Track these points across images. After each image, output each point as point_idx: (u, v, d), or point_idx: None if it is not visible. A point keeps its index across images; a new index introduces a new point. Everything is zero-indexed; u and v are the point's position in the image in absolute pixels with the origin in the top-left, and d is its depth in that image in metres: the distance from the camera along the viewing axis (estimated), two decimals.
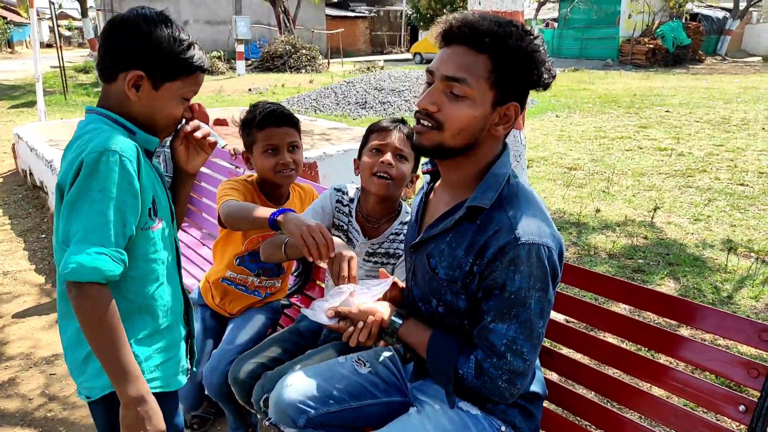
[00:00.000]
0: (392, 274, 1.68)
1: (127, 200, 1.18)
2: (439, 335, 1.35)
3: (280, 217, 1.55)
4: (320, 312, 1.41)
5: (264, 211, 1.63)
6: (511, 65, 1.19)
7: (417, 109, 1.26)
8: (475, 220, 1.26)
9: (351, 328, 1.38)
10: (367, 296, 1.42)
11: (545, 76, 1.22)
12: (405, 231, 1.83)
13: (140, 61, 1.23)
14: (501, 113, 1.23)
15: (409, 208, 1.86)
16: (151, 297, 1.30)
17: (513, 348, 1.22)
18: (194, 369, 1.55)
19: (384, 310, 1.41)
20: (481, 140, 1.26)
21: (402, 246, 1.85)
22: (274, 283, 2.19)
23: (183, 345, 1.44)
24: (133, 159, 1.20)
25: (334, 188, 1.95)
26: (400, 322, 1.40)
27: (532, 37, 1.21)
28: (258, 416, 2.12)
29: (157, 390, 1.32)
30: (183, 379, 1.43)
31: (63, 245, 1.17)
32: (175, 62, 1.26)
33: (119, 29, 1.24)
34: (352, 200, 1.91)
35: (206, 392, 1.97)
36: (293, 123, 2.01)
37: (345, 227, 1.90)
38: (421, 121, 1.25)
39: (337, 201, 1.92)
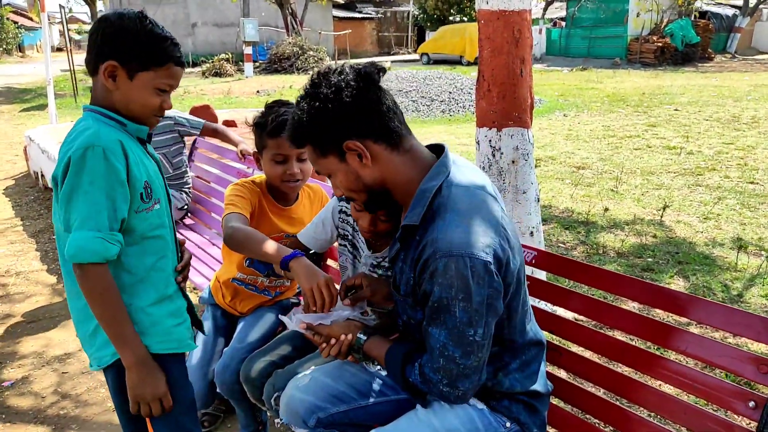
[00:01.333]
0: None
1: (116, 188, 1.31)
2: (394, 348, 1.42)
3: (292, 262, 1.58)
4: (296, 322, 1.54)
5: (273, 248, 1.65)
6: (312, 136, 1.31)
7: None
8: (414, 236, 1.31)
9: (323, 344, 1.50)
10: (339, 315, 1.54)
11: (341, 100, 1.26)
12: None
13: (114, 51, 1.34)
14: (352, 157, 1.30)
15: None
16: (152, 269, 1.43)
17: (445, 353, 1.26)
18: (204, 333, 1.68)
19: (351, 329, 1.51)
20: (372, 179, 1.33)
21: None
22: (283, 282, 2.20)
23: (185, 314, 1.55)
24: (117, 151, 1.31)
25: (337, 198, 1.90)
26: (364, 338, 1.49)
27: (306, 94, 1.31)
28: (268, 414, 2.13)
29: (172, 351, 1.45)
30: (192, 343, 1.55)
31: (65, 233, 1.33)
32: (148, 53, 1.35)
33: (99, 26, 1.37)
34: None
35: (218, 390, 1.99)
36: None
37: (350, 236, 1.87)
38: (347, 200, 1.46)
39: (341, 212, 1.88)
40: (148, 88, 1.38)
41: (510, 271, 1.29)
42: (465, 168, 1.37)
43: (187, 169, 3.65)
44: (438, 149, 1.39)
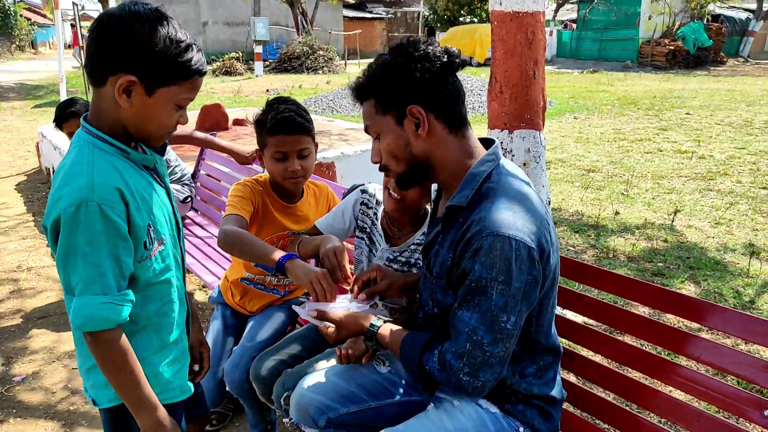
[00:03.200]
0: None
1: (118, 244, 1.15)
2: (411, 335, 1.40)
3: (288, 263, 1.58)
4: (308, 309, 1.51)
5: (269, 251, 1.64)
6: (382, 89, 1.34)
7: None
8: (458, 218, 1.31)
9: (331, 329, 1.47)
10: (350, 306, 1.52)
11: (425, 66, 1.29)
12: None
13: (132, 64, 1.12)
14: (411, 122, 1.32)
15: None
16: (155, 316, 1.30)
17: (473, 338, 1.24)
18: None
19: (363, 317, 1.49)
20: (421, 151, 1.34)
21: None
22: (292, 281, 2.20)
23: (187, 354, 1.45)
24: (115, 202, 1.14)
25: (361, 190, 1.93)
26: (378, 325, 1.46)
27: (397, 50, 1.33)
28: (277, 413, 2.14)
29: (175, 401, 1.35)
30: (190, 387, 1.44)
31: (67, 294, 1.18)
32: (172, 66, 1.15)
33: (109, 28, 1.13)
34: (378, 203, 1.88)
35: (227, 389, 1.99)
36: (305, 129, 1.96)
37: (368, 230, 1.88)
38: (381, 170, 1.45)
39: (362, 204, 1.90)
40: (169, 106, 1.19)
41: (549, 265, 1.30)
42: (511, 163, 1.40)
43: (178, 160, 3.58)
44: (488, 142, 1.42)
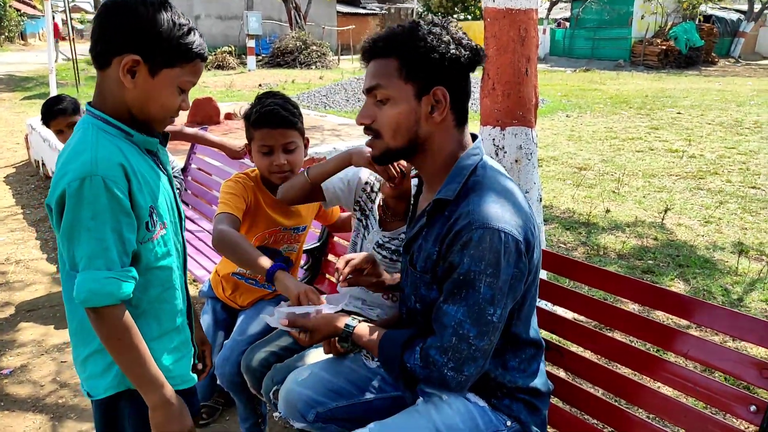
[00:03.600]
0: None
1: (121, 220, 1.16)
2: (389, 334, 1.39)
3: (277, 274, 1.58)
4: (279, 317, 1.46)
5: (260, 260, 1.64)
6: (415, 55, 1.25)
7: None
8: (444, 212, 1.30)
9: (303, 335, 1.43)
10: (324, 308, 1.48)
11: (457, 52, 1.27)
12: None
13: (137, 45, 1.16)
14: (429, 101, 1.28)
15: None
16: (155, 301, 1.29)
17: (459, 332, 1.24)
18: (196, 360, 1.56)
19: (336, 318, 1.45)
20: (425, 133, 1.31)
21: None
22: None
23: (190, 345, 1.43)
24: (119, 178, 1.15)
25: (369, 173, 1.92)
26: (354, 325, 1.43)
27: (432, 24, 1.29)
28: (267, 407, 2.13)
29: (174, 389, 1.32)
30: (193, 378, 1.43)
31: (71, 271, 1.17)
32: (175, 47, 1.18)
33: (114, 12, 1.17)
34: (380, 188, 1.88)
35: (218, 382, 1.99)
36: (290, 123, 1.94)
37: (366, 211, 1.90)
38: (367, 134, 1.35)
39: (366, 183, 1.91)
40: (171, 87, 1.21)
41: (533, 259, 1.30)
42: (490, 158, 1.41)
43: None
44: (471, 137, 1.42)
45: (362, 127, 1.37)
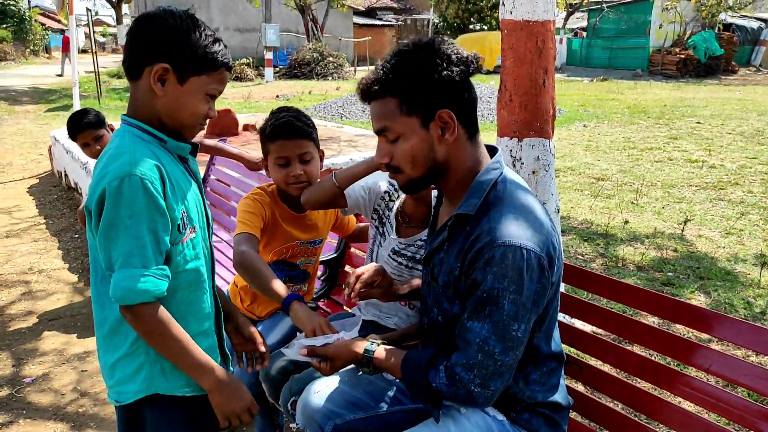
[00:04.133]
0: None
1: (157, 219, 1.21)
2: (411, 355, 1.38)
3: (294, 304, 1.61)
4: (297, 348, 1.46)
5: (277, 288, 1.67)
6: (410, 89, 1.26)
7: None
8: (465, 227, 1.30)
9: (324, 363, 1.43)
10: (342, 337, 1.48)
11: (449, 72, 1.25)
12: None
13: (166, 54, 1.23)
14: (437, 125, 1.29)
15: None
16: (183, 303, 1.32)
17: (485, 348, 1.23)
18: (230, 369, 1.58)
19: (356, 344, 1.45)
20: (442, 156, 1.32)
21: None
22: (301, 287, 2.21)
23: (216, 353, 1.45)
24: (155, 179, 1.21)
25: (388, 181, 1.93)
26: (373, 350, 1.42)
27: (418, 50, 1.27)
28: (285, 419, 2.14)
29: (191, 394, 1.34)
30: None
31: (107, 271, 1.22)
32: (202, 56, 1.25)
33: (144, 24, 1.25)
34: (398, 197, 1.90)
35: None
36: (304, 134, 1.96)
37: (383, 219, 1.91)
38: (389, 171, 1.38)
39: (385, 192, 1.92)
40: (199, 94, 1.28)
41: (555, 272, 1.30)
42: (512, 171, 1.40)
43: None
44: (491, 150, 1.41)
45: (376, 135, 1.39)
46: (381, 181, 1.93)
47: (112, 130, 3.10)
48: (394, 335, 1.71)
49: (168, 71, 1.24)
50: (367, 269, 1.58)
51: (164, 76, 1.24)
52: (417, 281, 1.66)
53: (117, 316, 1.26)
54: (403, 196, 1.88)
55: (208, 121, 1.36)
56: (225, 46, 1.31)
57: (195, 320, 1.35)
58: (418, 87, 1.26)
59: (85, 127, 2.96)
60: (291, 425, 1.72)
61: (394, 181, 1.88)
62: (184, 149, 1.35)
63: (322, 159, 2.07)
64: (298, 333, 1.54)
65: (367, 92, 1.32)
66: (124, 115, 1.32)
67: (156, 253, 1.21)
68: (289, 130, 1.93)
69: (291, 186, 1.97)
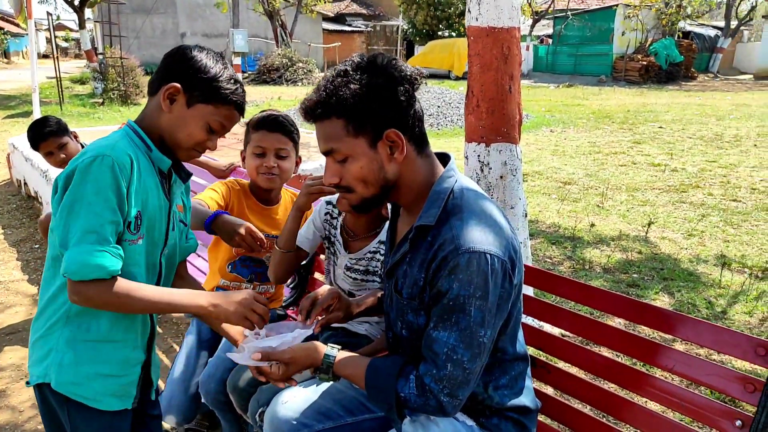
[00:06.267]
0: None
1: (116, 203, 1.24)
2: (377, 362, 1.36)
3: (217, 220, 1.81)
4: (250, 352, 1.36)
5: (199, 212, 1.85)
6: (356, 111, 1.24)
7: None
8: (426, 237, 1.30)
9: (276, 367, 1.36)
10: (300, 334, 1.40)
11: (396, 92, 1.24)
12: (383, 249, 1.84)
13: (182, 77, 1.33)
14: (385, 144, 1.27)
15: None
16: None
17: (453, 357, 1.23)
18: (152, 397, 1.54)
19: (316, 348, 1.39)
20: (393, 174, 1.30)
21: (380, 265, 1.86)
22: (268, 288, 2.20)
23: (136, 370, 1.42)
24: (125, 166, 1.25)
25: (325, 201, 1.97)
26: (334, 356, 1.38)
27: (361, 70, 1.24)
28: (254, 430, 2.10)
29: (77, 399, 1.31)
30: (117, 404, 1.37)
31: (61, 249, 1.23)
32: (214, 88, 1.34)
33: (174, 53, 1.38)
34: (340, 213, 1.94)
35: (203, 401, 1.96)
36: (287, 131, 2.05)
37: (332, 239, 1.94)
38: (339, 191, 1.35)
39: (326, 214, 1.95)
40: (201, 121, 1.36)
41: (517, 275, 1.30)
42: (465, 176, 1.40)
43: None
44: (443, 157, 1.41)
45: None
46: (318, 208, 1.97)
47: (76, 137, 3.01)
48: (366, 350, 1.70)
49: (179, 92, 1.33)
50: (321, 293, 1.54)
51: (174, 96, 1.34)
52: (371, 298, 1.65)
53: (48, 296, 1.32)
54: (343, 213, 1.90)
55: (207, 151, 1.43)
56: (243, 91, 1.40)
57: (113, 326, 1.34)
58: (363, 108, 1.23)
59: (48, 135, 2.86)
60: None
61: (331, 198, 1.92)
62: (164, 163, 1.39)
63: (297, 165, 2.14)
64: (245, 335, 1.45)
65: (311, 113, 1.28)
66: (131, 120, 1.40)
67: (113, 234, 1.23)
68: (272, 123, 2.04)
69: (261, 176, 2.06)
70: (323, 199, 1.98)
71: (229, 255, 2.13)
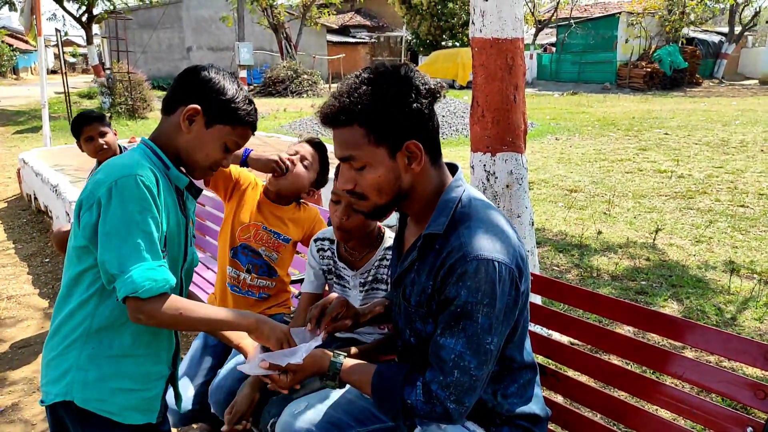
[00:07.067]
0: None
1: (157, 217, 1.28)
2: (384, 369, 1.37)
3: (250, 156, 2.10)
4: (258, 362, 1.40)
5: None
6: (380, 120, 1.24)
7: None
8: (434, 246, 1.31)
9: (283, 376, 1.39)
10: (308, 348, 1.41)
11: (419, 104, 1.25)
12: (389, 256, 1.86)
13: (202, 98, 1.36)
14: (404, 155, 1.29)
15: (392, 233, 1.88)
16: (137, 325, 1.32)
17: (460, 364, 1.24)
18: (179, 409, 1.63)
19: (323, 357, 1.41)
20: (408, 184, 1.32)
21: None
22: (267, 284, 2.23)
23: (160, 384, 1.44)
24: (153, 185, 1.29)
25: (313, 240, 1.99)
26: (340, 363, 1.40)
27: (389, 79, 1.25)
28: None
29: (100, 413, 1.32)
30: (139, 418, 1.38)
31: (115, 271, 1.22)
32: (232, 109, 1.38)
33: (191, 72, 1.41)
34: (333, 241, 1.94)
35: (212, 410, 1.97)
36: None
37: (332, 269, 1.94)
38: (350, 197, 1.36)
39: (318, 250, 1.97)
40: (219, 141, 1.40)
41: (524, 283, 1.31)
42: (471, 187, 1.41)
43: None
44: (451, 167, 1.42)
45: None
46: (311, 250, 1.98)
47: (115, 134, 3.11)
48: (369, 347, 1.70)
49: (198, 113, 1.36)
50: (329, 301, 1.55)
51: (194, 117, 1.37)
52: (378, 307, 1.65)
53: (63, 315, 1.32)
54: (335, 240, 1.92)
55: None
56: (256, 110, 1.44)
57: (138, 340, 1.36)
58: (388, 118, 1.24)
59: (94, 119, 2.98)
60: None
61: (317, 235, 1.97)
62: (182, 180, 1.43)
63: (318, 198, 2.33)
64: (260, 350, 1.48)
65: (333, 119, 1.28)
66: (145, 138, 1.42)
67: (161, 248, 1.28)
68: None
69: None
70: (312, 238, 2.01)
71: (232, 240, 2.21)
